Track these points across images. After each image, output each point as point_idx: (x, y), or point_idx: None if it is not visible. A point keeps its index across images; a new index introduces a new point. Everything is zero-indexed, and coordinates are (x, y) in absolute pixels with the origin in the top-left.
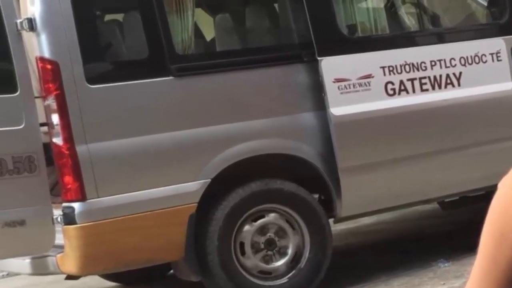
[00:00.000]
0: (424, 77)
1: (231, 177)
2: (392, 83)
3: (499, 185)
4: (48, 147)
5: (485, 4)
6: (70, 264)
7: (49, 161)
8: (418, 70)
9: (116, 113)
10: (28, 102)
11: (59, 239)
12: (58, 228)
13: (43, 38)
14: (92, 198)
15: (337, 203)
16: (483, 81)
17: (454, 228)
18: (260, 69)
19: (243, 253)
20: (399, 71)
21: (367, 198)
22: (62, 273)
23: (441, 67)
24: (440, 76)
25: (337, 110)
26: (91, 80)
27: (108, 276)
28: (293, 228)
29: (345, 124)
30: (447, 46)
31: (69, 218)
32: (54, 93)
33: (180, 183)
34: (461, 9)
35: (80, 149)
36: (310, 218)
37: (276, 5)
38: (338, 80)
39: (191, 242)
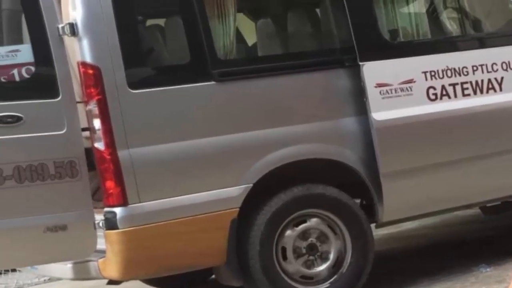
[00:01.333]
0: (466, 82)
1: (273, 182)
2: (434, 88)
3: None
4: (89, 152)
5: None
6: (112, 269)
7: (91, 166)
8: (459, 75)
9: (157, 118)
10: (70, 107)
11: (101, 244)
12: (100, 233)
13: (85, 43)
14: (134, 203)
15: (379, 208)
16: None
17: (495, 233)
18: (302, 74)
19: (284, 258)
20: (440, 76)
21: (409, 203)
22: (104, 278)
23: (482, 72)
24: (482, 81)
25: (378, 115)
26: (133, 85)
27: (150, 281)
28: (335, 233)
29: (386, 129)
30: (488, 51)
31: (110, 223)
32: (96, 98)
33: (222, 188)
34: (503, 14)
35: (122, 154)
36: (352, 223)
37: (318, 10)
38: (379, 85)
39: (233, 247)
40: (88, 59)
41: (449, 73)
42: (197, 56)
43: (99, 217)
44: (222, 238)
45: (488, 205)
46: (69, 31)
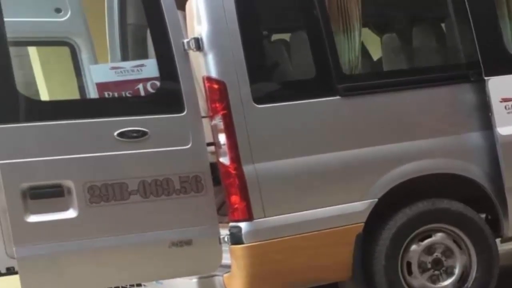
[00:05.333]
0: None
1: (397, 196)
2: None
3: None
4: (215, 167)
5: None
6: (237, 284)
7: (216, 181)
8: None
9: (282, 132)
10: (195, 121)
11: (226, 259)
12: (225, 247)
13: (210, 57)
14: (259, 218)
15: (504, 222)
16: None
17: None
18: (427, 88)
19: (409, 272)
20: None
21: None
22: None
23: None
24: None
25: (504, 129)
26: (258, 99)
27: None
28: (460, 248)
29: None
30: None
31: (236, 238)
32: (221, 112)
33: (347, 203)
34: None
35: (247, 169)
36: (477, 238)
37: (443, 25)
38: (505, 100)
39: (358, 262)
40: (214, 74)
41: None
42: (322, 71)
43: (224, 232)
44: (348, 253)
45: None
46: (194, 46)
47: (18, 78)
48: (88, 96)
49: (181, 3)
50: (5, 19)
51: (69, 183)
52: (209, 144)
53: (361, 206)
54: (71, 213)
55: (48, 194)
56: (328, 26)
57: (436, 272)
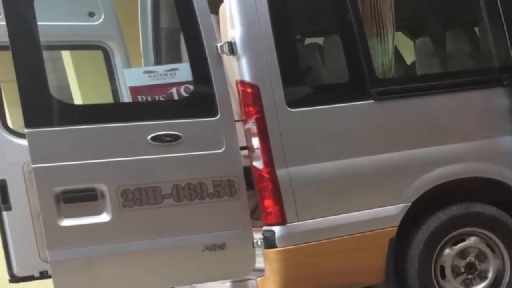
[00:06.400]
0: None
1: (430, 200)
2: None
3: None
4: (248, 171)
5: None
6: (271, 287)
7: (249, 185)
8: None
9: (316, 136)
10: (229, 125)
11: (260, 263)
12: (258, 251)
13: (244, 61)
14: (293, 222)
15: None
16: None
17: None
18: (460, 93)
19: (443, 276)
20: None
21: None
22: None
23: None
24: None
25: None
26: (292, 103)
27: None
28: (494, 252)
29: None
30: None
31: (269, 242)
32: (255, 116)
33: (380, 207)
34: None
35: (281, 172)
36: (510, 242)
37: (476, 29)
38: None
39: (391, 266)
40: (247, 77)
41: None
42: (356, 74)
43: (257, 236)
44: (381, 257)
45: None
46: (227, 50)
47: (51, 82)
48: (121, 100)
49: (214, 6)
50: (39, 23)
51: (102, 187)
52: (242, 148)
53: (395, 210)
54: (104, 217)
55: (82, 198)
56: (361, 30)
57: (470, 276)
